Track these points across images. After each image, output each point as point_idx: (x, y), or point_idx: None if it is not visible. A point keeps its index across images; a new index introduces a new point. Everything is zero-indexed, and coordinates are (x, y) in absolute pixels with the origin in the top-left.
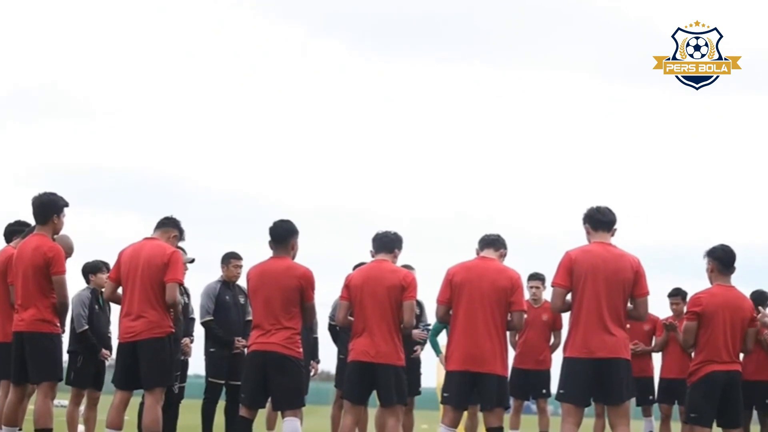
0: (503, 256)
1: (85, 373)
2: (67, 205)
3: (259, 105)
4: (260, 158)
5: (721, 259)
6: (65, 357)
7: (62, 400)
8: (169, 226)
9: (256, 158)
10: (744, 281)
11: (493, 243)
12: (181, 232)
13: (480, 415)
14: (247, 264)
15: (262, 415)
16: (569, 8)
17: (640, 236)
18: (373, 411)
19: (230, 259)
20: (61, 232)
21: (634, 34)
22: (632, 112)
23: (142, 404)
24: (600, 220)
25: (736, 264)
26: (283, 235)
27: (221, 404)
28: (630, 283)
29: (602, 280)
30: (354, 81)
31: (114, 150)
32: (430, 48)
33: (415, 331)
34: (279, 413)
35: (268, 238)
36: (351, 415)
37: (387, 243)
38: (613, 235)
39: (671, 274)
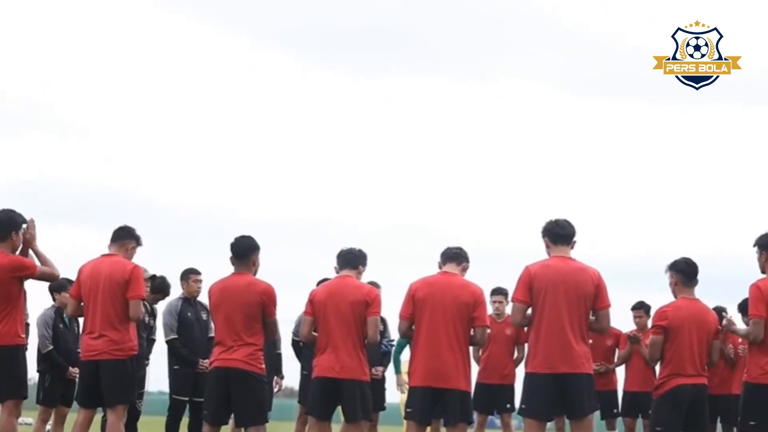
0: (465, 269)
1: (54, 392)
2: (25, 221)
3: (220, 119)
4: (221, 172)
5: (684, 272)
6: (35, 376)
7: (27, 417)
8: (125, 237)
9: (216, 173)
10: (707, 293)
11: (455, 257)
12: (137, 240)
13: (443, 430)
14: (210, 280)
15: (225, 431)
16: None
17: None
18: (337, 427)
19: (189, 275)
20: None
21: (634, 33)
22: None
23: (104, 421)
24: (559, 234)
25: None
26: (244, 251)
27: (185, 421)
28: (591, 296)
29: (562, 295)
30: (311, 95)
31: (73, 165)
32: (396, 61)
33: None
34: (242, 430)
35: (230, 254)
36: (315, 431)
37: (351, 259)
38: (572, 248)
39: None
